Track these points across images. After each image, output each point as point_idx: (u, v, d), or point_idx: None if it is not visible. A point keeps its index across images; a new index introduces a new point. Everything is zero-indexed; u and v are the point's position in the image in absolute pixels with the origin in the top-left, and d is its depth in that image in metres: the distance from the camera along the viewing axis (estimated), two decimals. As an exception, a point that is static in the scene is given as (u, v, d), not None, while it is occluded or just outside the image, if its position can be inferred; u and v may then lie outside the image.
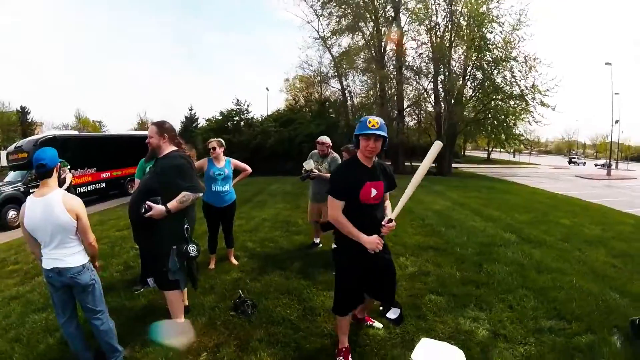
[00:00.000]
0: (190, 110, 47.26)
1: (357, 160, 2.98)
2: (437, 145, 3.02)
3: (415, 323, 3.81)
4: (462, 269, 5.39)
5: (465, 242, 6.82)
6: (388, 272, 3.16)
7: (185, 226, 3.41)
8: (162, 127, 3.45)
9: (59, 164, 2.97)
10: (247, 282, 4.90)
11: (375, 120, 2.83)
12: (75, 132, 20.02)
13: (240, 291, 4.38)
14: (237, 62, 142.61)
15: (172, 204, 3.21)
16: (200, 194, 3.55)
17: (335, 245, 5.26)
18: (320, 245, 6.44)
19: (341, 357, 3.16)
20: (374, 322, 3.74)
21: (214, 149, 5.20)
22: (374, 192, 2.92)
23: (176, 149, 3.50)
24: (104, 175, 15.90)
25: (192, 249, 3.38)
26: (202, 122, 35.89)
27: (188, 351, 3.36)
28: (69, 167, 8.20)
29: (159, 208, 3.14)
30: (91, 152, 15.71)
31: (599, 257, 6.14)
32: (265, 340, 3.50)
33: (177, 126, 44.71)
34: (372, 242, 2.79)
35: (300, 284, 4.77)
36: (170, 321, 3.57)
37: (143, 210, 3.12)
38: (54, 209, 2.75)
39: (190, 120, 45.63)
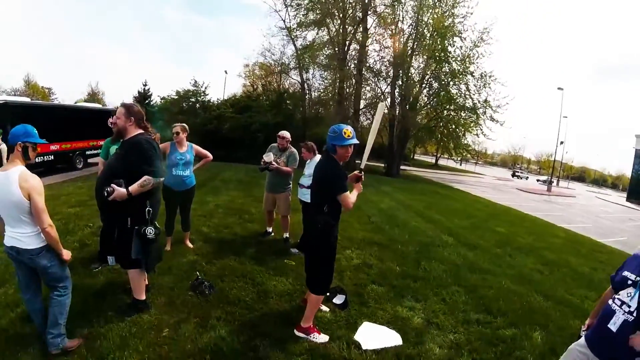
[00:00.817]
0: (145, 85, 45.23)
1: (336, 161, 3.54)
2: (381, 107, 3.86)
3: (358, 309, 4.20)
4: (402, 264, 5.86)
5: (406, 241, 7.33)
6: None
7: (147, 209, 3.53)
8: (130, 110, 3.53)
9: (19, 142, 2.88)
10: (203, 264, 5.08)
11: (349, 131, 3.43)
12: (27, 99, 18.91)
13: (197, 273, 4.59)
14: (197, 42, 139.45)
15: (133, 188, 3.31)
16: (162, 179, 3.69)
17: (286, 235, 5.63)
18: (273, 234, 6.70)
19: (315, 332, 3.54)
20: (322, 306, 4.04)
21: (177, 133, 5.32)
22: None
23: (142, 132, 3.58)
24: (53, 147, 14.77)
25: (149, 231, 3.48)
26: (156, 100, 34.68)
27: (150, 327, 3.51)
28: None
29: (121, 191, 3.25)
30: (42, 122, 14.76)
31: (528, 264, 6.81)
32: (223, 318, 3.74)
33: (130, 100, 43.05)
34: (359, 185, 3.70)
35: (254, 269, 5.03)
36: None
37: (106, 193, 3.22)
38: (9, 186, 2.72)
39: (144, 96, 43.73)
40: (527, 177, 63.25)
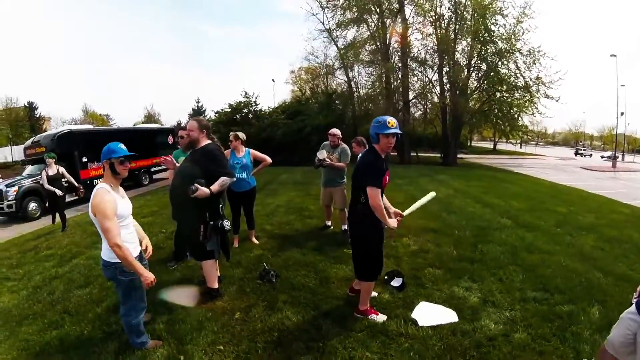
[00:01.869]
0: (197, 102, 47.72)
1: (377, 153, 3.58)
2: (430, 196, 4.13)
3: (415, 290, 4.42)
4: (459, 248, 5.97)
5: (463, 226, 7.38)
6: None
7: (220, 205, 4.12)
8: (201, 123, 4.09)
9: (105, 161, 3.10)
10: (269, 257, 5.58)
11: (393, 121, 3.46)
12: (90, 126, 20.39)
13: (264, 264, 5.05)
14: (241, 55, 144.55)
15: (214, 187, 3.85)
16: (234, 179, 4.26)
17: (345, 227, 5.93)
18: (332, 227, 7.07)
19: (373, 314, 3.79)
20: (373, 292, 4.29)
21: (231, 141, 5.87)
22: (387, 179, 3.61)
23: (211, 141, 4.15)
24: None
25: (226, 223, 4.05)
26: (209, 115, 36.20)
27: (224, 312, 3.99)
28: (54, 158, 8.65)
29: (204, 190, 3.75)
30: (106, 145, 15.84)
31: (588, 242, 6.64)
32: (289, 302, 4.15)
33: (185, 118, 45.23)
34: (395, 223, 3.56)
35: (316, 259, 5.44)
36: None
37: (190, 191, 3.69)
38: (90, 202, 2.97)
39: (198, 113, 46.16)
40: (591, 155, 59.41)
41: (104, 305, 4.33)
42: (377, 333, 3.49)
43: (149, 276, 3.01)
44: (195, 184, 3.72)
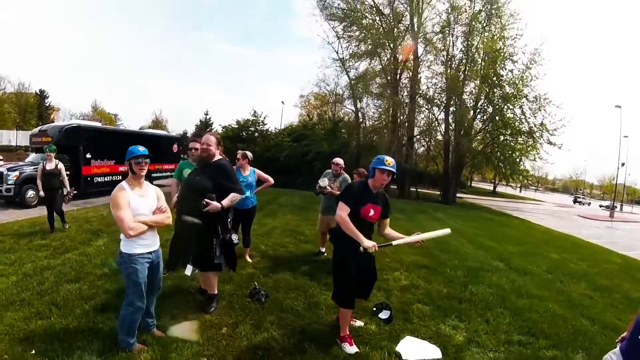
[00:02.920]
0: (206, 115, 48.19)
1: (366, 185, 3.84)
2: (445, 231, 4.00)
3: (402, 324, 4.45)
4: (449, 287, 6.01)
5: (455, 265, 7.43)
6: (369, 276, 4.00)
7: (229, 219, 4.26)
8: (218, 139, 4.28)
9: (126, 162, 3.39)
10: (260, 277, 5.62)
11: (390, 160, 3.71)
12: (98, 124, 20.46)
13: (255, 283, 5.09)
14: (253, 75, 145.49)
15: (225, 202, 3.97)
16: (244, 196, 4.38)
17: (322, 249, 5.99)
18: (325, 254, 7.08)
19: (346, 343, 3.80)
20: (356, 321, 4.36)
21: (238, 159, 5.98)
22: (371, 212, 3.78)
23: (221, 157, 4.30)
24: (122, 168, 15.89)
25: (234, 237, 4.25)
26: (217, 128, 36.51)
27: (211, 325, 4.03)
28: (54, 152, 8.23)
29: (216, 204, 3.87)
30: (110, 145, 15.82)
31: (578, 289, 6.70)
32: (276, 323, 4.19)
33: (191, 128, 45.48)
34: (371, 244, 3.54)
35: (307, 283, 5.49)
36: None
37: (202, 205, 3.80)
38: None
39: (205, 125, 46.54)
40: (590, 203, 59.39)
41: (92, 303, 4.36)
42: (360, 363, 3.52)
43: (137, 226, 3.23)
44: (206, 199, 3.82)
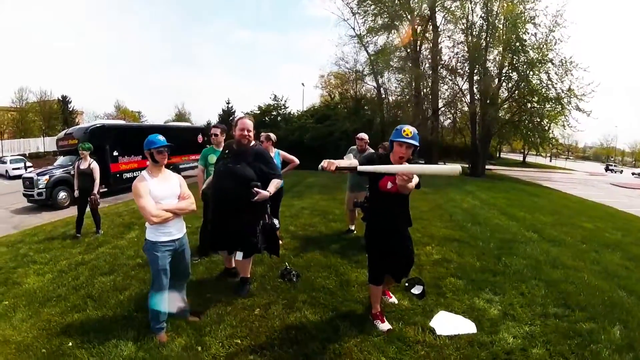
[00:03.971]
0: (228, 103, 48.47)
1: (387, 157, 3.54)
2: (454, 170, 3.07)
3: (435, 299, 4.40)
4: (482, 260, 5.90)
5: (487, 237, 7.28)
6: (405, 258, 3.73)
7: (269, 204, 4.30)
8: (254, 123, 4.25)
9: (146, 151, 3.43)
10: (291, 257, 5.68)
11: (409, 130, 3.32)
12: (122, 122, 20.81)
13: (286, 263, 5.15)
14: (270, 59, 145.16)
15: (271, 189, 4.03)
16: (282, 181, 4.45)
17: (352, 227, 5.93)
18: (355, 232, 7.07)
19: (377, 320, 3.79)
20: (391, 296, 4.32)
21: (262, 142, 5.95)
22: (389, 185, 3.42)
23: (254, 143, 4.29)
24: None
25: (276, 222, 4.36)
26: (239, 115, 36.71)
27: (244, 307, 4.09)
28: (89, 150, 8.01)
29: (265, 193, 3.90)
30: (136, 141, 15.89)
31: (613, 259, 6.46)
32: (308, 302, 4.21)
33: (214, 118, 46.02)
34: (325, 163, 3.16)
35: (337, 262, 5.49)
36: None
37: (252, 195, 3.83)
38: None
39: (228, 113, 46.89)
40: (622, 171, 57.65)
41: (126, 293, 4.50)
42: (394, 339, 3.51)
43: (161, 213, 3.29)
44: (255, 189, 3.85)
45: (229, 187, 3.98)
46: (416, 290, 4.49)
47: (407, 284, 4.53)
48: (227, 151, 4.22)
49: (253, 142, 4.22)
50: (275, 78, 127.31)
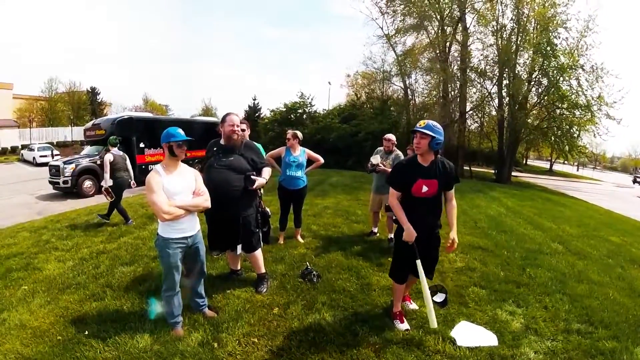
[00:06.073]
0: (254, 100, 48.81)
1: (415, 159, 3.54)
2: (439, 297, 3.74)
3: (457, 308, 4.32)
4: (506, 270, 5.77)
5: (513, 247, 7.13)
6: (431, 253, 3.74)
7: (261, 193, 4.49)
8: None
9: (164, 143, 3.43)
10: (312, 257, 5.65)
11: (423, 121, 3.39)
12: (150, 114, 21.06)
13: (307, 263, 5.13)
14: (298, 57, 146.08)
15: (266, 176, 4.20)
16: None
17: (391, 235, 5.89)
18: (378, 234, 7.02)
19: (397, 320, 3.80)
20: (411, 303, 4.29)
21: (288, 139, 5.95)
22: (425, 188, 3.44)
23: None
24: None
25: (267, 209, 4.56)
26: (265, 112, 37.04)
27: (262, 305, 4.09)
28: (116, 144, 8.28)
29: (262, 180, 4.05)
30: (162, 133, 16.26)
31: (639, 276, 6.32)
32: (328, 304, 4.18)
33: (242, 114, 46.56)
34: (409, 234, 3.41)
35: (359, 264, 5.44)
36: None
37: (250, 183, 3.95)
38: None
39: (254, 110, 47.25)
40: None
41: (146, 285, 4.55)
42: (413, 347, 3.46)
43: (171, 211, 3.24)
44: (252, 177, 3.95)
45: (231, 179, 4.00)
46: (438, 298, 4.39)
47: (429, 291, 4.46)
48: (215, 148, 4.22)
49: (247, 138, 4.47)
50: (302, 76, 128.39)
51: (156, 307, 3.65)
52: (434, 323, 3.53)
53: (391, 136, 6.43)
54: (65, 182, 12.79)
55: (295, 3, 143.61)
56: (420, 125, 3.37)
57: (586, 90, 23.37)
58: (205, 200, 3.49)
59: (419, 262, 3.54)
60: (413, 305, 4.26)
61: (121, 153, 8.22)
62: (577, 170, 56.29)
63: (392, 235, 6.43)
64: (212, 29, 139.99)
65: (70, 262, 5.42)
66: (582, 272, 6.05)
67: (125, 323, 3.63)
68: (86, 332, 3.50)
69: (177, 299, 3.51)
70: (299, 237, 6.42)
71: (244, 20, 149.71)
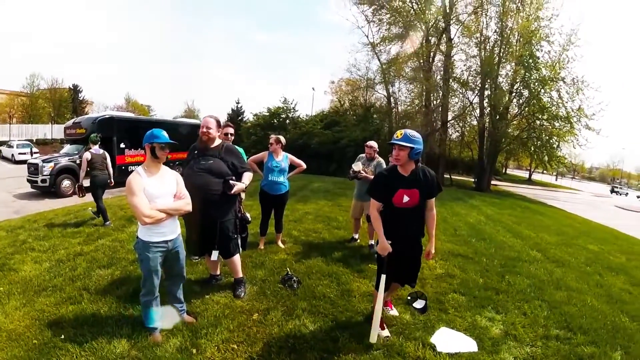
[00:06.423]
0: (237, 103, 48.63)
1: (395, 169, 3.50)
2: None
3: (437, 314, 4.34)
4: (485, 276, 5.83)
5: (492, 254, 7.22)
6: (413, 264, 3.74)
7: (239, 199, 4.36)
8: (218, 121, 4.24)
9: (147, 144, 3.33)
10: (293, 262, 5.61)
11: (400, 132, 3.34)
12: (131, 114, 20.83)
13: (287, 269, 5.09)
14: (283, 61, 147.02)
15: (246, 182, 4.09)
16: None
17: (372, 242, 5.87)
18: (358, 240, 7.02)
19: (388, 307, 3.85)
20: (392, 309, 4.27)
21: (271, 144, 5.91)
22: (406, 198, 3.40)
23: (222, 140, 4.35)
24: None
25: (247, 215, 4.43)
26: (248, 116, 36.96)
27: (242, 311, 4.03)
28: (97, 142, 8.23)
29: (241, 185, 3.95)
30: (143, 134, 15.97)
31: (617, 283, 6.39)
32: (308, 310, 4.15)
33: (224, 117, 46.34)
34: (383, 248, 3.41)
35: (340, 270, 5.42)
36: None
37: (229, 188, 3.84)
38: None
39: (237, 113, 47.05)
40: (627, 194, 57.33)
41: (124, 288, 4.45)
42: (394, 353, 3.45)
43: (153, 214, 3.16)
44: (231, 181, 3.86)
45: (209, 183, 3.93)
46: (418, 304, 4.40)
47: (409, 298, 4.45)
48: (195, 152, 4.18)
49: (220, 141, 4.26)
50: (286, 81, 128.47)
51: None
52: (374, 338, 3.51)
53: (373, 143, 6.45)
54: (43, 180, 12.51)
55: (285, 8, 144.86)
56: (397, 137, 3.32)
57: (566, 102, 23.90)
58: (186, 204, 3.42)
59: (383, 276, 3.52)
60: (394, 312, 4.25)
61: (101, 151, 8.09)
62: (556, 179, 57.40)
63: (372, 242, 6.45)
64: (199, 30, 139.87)
65: (47, 264, 5.28)
66: (561, 280, 6.15)
67: (102, 327, 3.54)
68: (62, 336, 3.40)
69: (155, 303, 3.44)
70: (279, 243, 6.38)
71: (233, 22, 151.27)
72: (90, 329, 3.51)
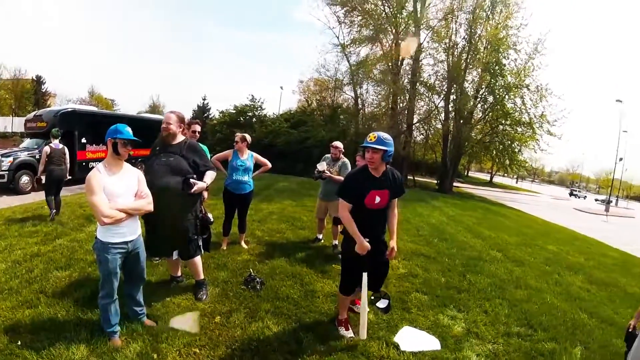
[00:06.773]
0: (204, 99, 47.78)
1: (366, 169, 3.52)
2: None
3: (400, 314, 4.36)
4: (447, 276, 5.94)
5: (454, 254, 7.36)
6: (381, 267, 3.74)
7: (201, 199, 4.19)
8: (181, 117, 4.05)
9: (109, 139, 3.20)
10: (256, 263, 5.53)
11: (374, 135, 3.37)
12: (94, 108, 20.15)
13: (250, 270, 4.99)
14: (250, 58, 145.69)
15: (208, 181, 3.95)
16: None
17: (335, 242, 5.85)
18: (322, 241, 7.00)
19: (342, 327, 3.78)
20: (357, 306, 4.23)
21: (236, 142, 5.82)
22: (377, 199, 3.44)
23: (185, 136, 4.16)
24: None
25: (209, 215, 4.23)
26: (214, 113, 36.41)
27: (204, 314, 3.92)
28: (58, 136, 8.22)
29: (202, 184, 3.81)
30: (106, 129, 15.48)
31: (575, 282, 6.66)
32: (271, 311, 4.08)
33: (189, 113, 45.44)
34: (362, 247, 3.37)
35: (303, 271, 5.38)
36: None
37: (189, 187, 3.68)
38: None
39: (202, 110, 46.19)
40: (585, 197, 60.29)
41: (82, 291, 4.24)
42: (358, 353, 3.44)
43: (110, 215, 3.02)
44: (192, 180, 3.71)
45: (168, 181, 3.79)
46: (381, 304, 4.40)
47: (372, 297, 4.44)
48: (157, 148, 4.05)
49: (183, 137, 4.09)
50: (254, 79, 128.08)
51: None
52: (364, 335, 3.56)
53: (339, 144, 6.45)
54: (1, 176, 11.93)
55: (259, 6, 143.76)
56: (370, 140, 3.34)
57: (530, 108, 24.84)
58: (148, 203, 3.30)
59: (365, 275, 3.53)
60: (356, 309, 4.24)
61: (61, 146, 7.89)
62: (516, 182, 59.26)
63: (336, 242, 6.45)
64: (168, 25, 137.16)
65: (3, 265, 4.98)
66: (521, 279, 6.33)
67: (60, 332, 3.36)
68: (19, 342, 3.21)
69: (114, 306, 3.29)
70: (242, 243, 6.28)
71: (198, 20, 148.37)
72: (47, 334, 3.33)
